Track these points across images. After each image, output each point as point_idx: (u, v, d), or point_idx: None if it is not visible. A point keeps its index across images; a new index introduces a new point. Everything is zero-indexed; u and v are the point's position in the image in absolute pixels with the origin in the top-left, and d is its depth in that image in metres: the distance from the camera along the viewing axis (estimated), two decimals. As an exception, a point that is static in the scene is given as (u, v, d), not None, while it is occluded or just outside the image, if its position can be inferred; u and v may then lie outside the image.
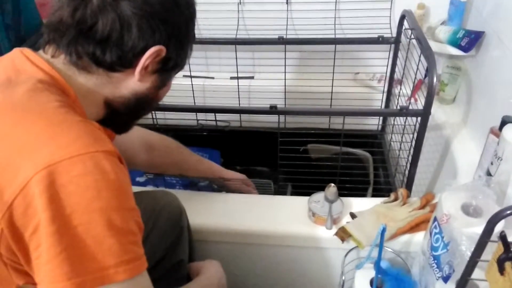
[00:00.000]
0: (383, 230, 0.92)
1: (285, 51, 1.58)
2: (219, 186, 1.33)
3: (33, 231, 0.54)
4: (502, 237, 0.57)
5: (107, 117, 0.75)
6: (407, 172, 1.22)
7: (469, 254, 0.69)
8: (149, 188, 1.33)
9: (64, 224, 0.54)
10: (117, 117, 0.76)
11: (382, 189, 1.58)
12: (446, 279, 0.84)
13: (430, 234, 0.92)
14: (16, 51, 0.69)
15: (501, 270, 0.58)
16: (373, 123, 1.74)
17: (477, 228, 0.78)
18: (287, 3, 1.64)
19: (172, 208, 1.04)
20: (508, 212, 0.59)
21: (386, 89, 1.62)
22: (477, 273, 0.70)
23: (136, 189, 1.12)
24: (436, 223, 0.89)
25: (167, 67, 0.73)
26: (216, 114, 1.44)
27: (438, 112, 1.51)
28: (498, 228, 0.63)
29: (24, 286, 0.61)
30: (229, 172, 1.32)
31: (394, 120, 1.50)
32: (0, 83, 0.63)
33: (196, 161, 1.27)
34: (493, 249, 0.63)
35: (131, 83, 0.71)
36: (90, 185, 0.55)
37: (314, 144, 1.72)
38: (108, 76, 0.69)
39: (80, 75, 0.68)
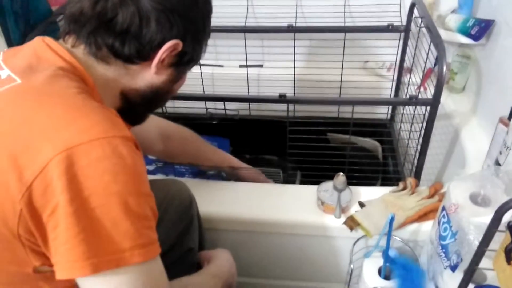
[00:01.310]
0: (392, 219, 0.93)
1: (294, 39, 1.57)
2: (233, 178, 1.34)
3: (51, 212, 0.56)
4: (510, 227, 0.58)
5: (123, 108, 0.76)
6: (415, 161, 1.22)
7: (477, 243, 0.70)
8: (159, 176, 1.35)
9: (82, 205, 0.56)
10: (132, 109, 0.78)
11: (391, 178, 1.58)
12: (454, 268, 0.85)
13: (438, 223, 0.93)
14: (38, 39, 0.70)
15: (509, 259, 0.59)
16: (382, 112, 1.74)
17: (485, 217, 0.79)
18: (296, -10, 1.63)
19: (182, 196, 1.05)
20: (517, 202, 0.59)
21: (395, 78, 1.62)
22: (485, 262, 0.71)
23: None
24: (444, 212, 0.90)
25: (183, 61, 0.75)
26: (226, 102, 1.44)
27: (447, 101, 1.51)
28: (506, 217, 0.63)
29: (40, 268, 0.62)
30: (241, 163, 1.34)
31: (403, 109, 1.50)
32: (22, 69, 0.65)
33: (212, 152, 1.30)
34: (500, 239, 0.64)
35: (148, 76, 0.73)
36: (107, 169, 0.57)
37: (333, 133, 1.73)
38: (126, 68, 0.71)
39: (98, 65, 0.70)
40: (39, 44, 0.69)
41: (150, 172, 1.51)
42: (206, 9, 0.75)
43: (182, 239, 1.02)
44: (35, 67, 0.65)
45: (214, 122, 1.69)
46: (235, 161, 1.33)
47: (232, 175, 1.33)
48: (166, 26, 0.68)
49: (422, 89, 1.45)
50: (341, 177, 1.11)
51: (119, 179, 0.57)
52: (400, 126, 1.55)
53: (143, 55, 0.70)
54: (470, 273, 0.71)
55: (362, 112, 1.70)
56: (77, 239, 0.55)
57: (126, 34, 0.66)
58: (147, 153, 1.23)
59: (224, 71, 1.84)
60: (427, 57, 1.19)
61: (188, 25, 0.71)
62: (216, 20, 1.62)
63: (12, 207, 0.56)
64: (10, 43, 1.25)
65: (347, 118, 1.24)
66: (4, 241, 0.59)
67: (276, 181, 1.28)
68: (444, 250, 0.89)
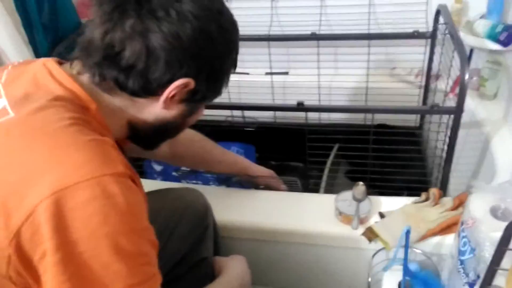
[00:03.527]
0: (408, 232, 0.90)
1: (318, 47, 1.57)
2: (246, 181, 1.32)
3: (40, 257, 0.55)
4: (519, 245, 0.55)
5: (132, 137, 0.76)
6: (442, 170, 1.19)
7: (492, 260, 0.67)
8: (176, 184, 1.32)
9: (69, 251, 0.54)
10: (141, 138, 0.77)
11: (419, 188, 1.53)
12: (471, 285, 0.81)
13: (459, 237, 0.89)
14: (39, 64, 0.69)
15: (519, 280, 0.56)
16: (411, 119, 1.70)
17: (504, 233, 0.75)
18: (320, -2, 1.62)
19: (197, 206, 1.04)
20: (528, 219, 0.56)
21: (423, 84, 1.58)
22: (502, 281, 0.68)
23: (164, 185, 1.16)
24: (463, 226, 0.86)
25: (195, 99, 0.72)
26: (249, 110, 1.45)
27: (478, 108, 1.45)
28: (520, 235, 0.60)
29: None
30: (255, 166, 1.30)
31: (431, 117, 1.46)
32: (17, 100, 0.63)
33: (221, 154, 1.25)
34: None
35: (156, 110, 0.71)
36: (96, 211, 0.55)
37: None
38: (132, 100, 0.69)
39: (104, 94, 0.68)
40: (40, 69, 0.67)
41: (175, 178, 1.53)
42: (226, 49, 0.71)
43: (195, 249, 1.00)
44: (31, 96, 0.64)
45: (238, 129, 1.70)
46: (246, 163, 1.29)
47: (250, 182, 1.30)
48: (176, 66, 0.65)
49: (451, 96, 1.40)
50: (360, 187, 1.08)
51: (109, 220, 0.56)
52: (428, 135, 1.51)
53: (149, 91, 0.67)
54: (484, 292, 0.68)
55: (390, 119, 1.67)
56: (64, 286, 0.55)
57: (131, 70, 0.64)
58: (152, 158, 1.23)
59: (250, 79, 1.85)
60: (451, 64, 1.15)
61: (201, 66, 0.68)
62: (242, 28, 1.66)
63: (1, 252, 0.55)
64: (38, 55, 1.29)
65: (369, 125, 1.22)
66: None
67: (294, 189, 1.26)
68: (463, 265, 0.85)
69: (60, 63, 0.70)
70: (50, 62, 0.68)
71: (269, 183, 1.29)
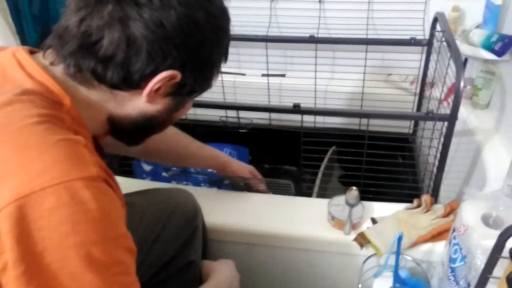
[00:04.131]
0: (400, 238, 0.90)
1: (316, 50, 1.57)
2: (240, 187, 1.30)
3: (2, 269, 0.50)
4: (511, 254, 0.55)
5: (114, 133, 0.71)
6: (433, 177, 1.19)
7: (483, 268, 0.67)
8: (166, 185, 1.28)
9: (34, 263, 0.50)
10: (124, 134, 0.72)
11: (411, 194, 1.54)
12: (462, 292, 0.82)
13: (450, 244, 0.90)
14: (8, 54, 0.63)
15: (511, 289, 0.56)
16: (405, 126, 1.71)
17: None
18: (319, 1, 1.63)
19: (186, 206, 1.02)
20: (520, 228, 0.56)
21: (418, 92, 1.58)
22: (492, 289, 0.68)
23: (153, 185, 1.15)
24: (454, 233, 0.87)
25: (183, 92, 0.67)
26: (244, 112, 1.44)
27: (471, 117, 1.47)
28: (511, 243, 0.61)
29: None
30: (235, 161, 1.24)
31: (424, 124, 1.47)
32: None
33: (197, 148, 1.18)
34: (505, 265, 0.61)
35: (139, 104, 0.66)
36: (64, 219, 0.51)
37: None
38: (112, 93, 0.64)
39: (80, 87, 0.63)
40: (8, 60, 0.62)
41: (166, 179, 1.52)
42: (214, 37, 0.65)
43: (183, 251, 0.98)
44: None
45: (232, 130, 1.70)
46: (224, 158, 1.23)
47: (228, 178, 1.26)
48: (159, 56, 0.60)
49: (445, 104, 1.41)
50: (353, 192, 1.09)
51: (79, 229, 0.51)
52: (421, 141, 1.51)
53: (130, 84, 0.62)
54: (475, 300, 0.68)
55: (385, 126, 1.68)
56: None
57: (110, 61, 0.59)
58: (124, 153, 1.15)
59: (246, 80, 1.84)
60: (446, 72, 1.16)
61: (187, 56, 0.62)
62: (239, 28, 1.67)
63: None
64: (26, 46, 1.27)
65: (364, 130, 1.22)
66: None
67: (288, 193, 1.26)
68: (453, 273, 0.86)
69: (32, 52, 0.65)
70: (20, 52, 0.63)
71: (249, 182, 1.25)
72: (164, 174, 1.53)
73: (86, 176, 0.53)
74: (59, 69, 0.62)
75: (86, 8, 0.58)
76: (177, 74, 0.63)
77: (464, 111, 1.47)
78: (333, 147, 1.70)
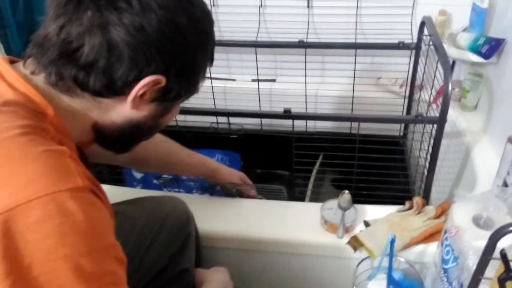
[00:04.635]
0: (392, 241, 0.91)
1: (305, 55, 1.58)
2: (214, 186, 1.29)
3: None
4: (503, 255, 0.56)
5: (99, 141, 0.70)
6: (424, 179, 1.21)
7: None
8: (157, 192, 1.28)
9: (22, 276, 0.49)
10: (110, 142, 0.71)
11: (403, 197, 1.55)
12: (455, 293, 0.83)
13: (442, 245, 0.91)
14: None
15: (502, 289, 0.57)
16: (395, 129, 1.72)
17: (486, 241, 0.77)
18: (308, 6, 1.64)
19: (178, 214, 1.01)
20: (510, 228, 0.57)
21: (407, 94, 1.60)
22: (485, 289, 0.69)
23: (144, 193, 1.14)
24: (446, 235, 0.88)
25: (169, 97, 0.66)
26: (234, 117, 1.44)
27: (459, 119, 1.48)
28: (503, 244, 0.62)
29: None
30: (225, 168, 1.24)
31: (414, 127, 1.48)
32: None
33: (186, 155, 1.17)
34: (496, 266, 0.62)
35: (124, 110, 0.65)
36: (51, 231, 0.50)
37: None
38: (96, 101, 0.63)
39: (62, 96, 0.62)
40: None
41: (157, 187, 1.51)
42: (198, 40, 0.64)
43: (176, 259, 0.97)
44: None
45: (223, 136, 1.70)
46: (214, 165, 1.22)
47: (218, 184, 1.26)
48: (142, 61, 0.59)
49: (434, 106, 1.43)
50: (346, 195, 1.09)
51: (66, 241, 0.51)
52: (412, 144, 1.53)
53: (114, 91, 0.61)
54: (468, 300, 0.69)
55: (375, 129, 1.69)
56: None
57: (91, 67, 0.59)
58: (110, 162, 1.13)
59: (236, 85, 1.85)
60: (434, 76, 1.17)
61: (171, 60, 0.62)
62: (229, 34, 1.68)
63: None
64: (10, 55, 1.25)
65: (355, 134, 1.23)
66: None
67: (280, 198, 1.26)
68: (446, 274, 0.86)
69: (13, 62, 0.64)
70: (0, 62, 0.62)
71: (240, 188, 1.25)
72: (155, 181, 1.52)
73: (72, 187, 0.53)
74: (40, 78, 0.61)
75: (65, 16, 0.58)
76: (162, 79, 0.62)
77: (452, 113, 1.48)
78: (323, 152, 1.70)
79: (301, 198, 1.55)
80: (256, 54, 1.65)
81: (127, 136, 0.70)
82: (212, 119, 1.49)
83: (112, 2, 0.57)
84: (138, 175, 1.56)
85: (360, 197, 1.24)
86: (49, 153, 0.54)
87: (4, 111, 0.56)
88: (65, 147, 0.58)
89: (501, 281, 0.56)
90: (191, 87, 0.69)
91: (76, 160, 0.58)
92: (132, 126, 0.67)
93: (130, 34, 0.58)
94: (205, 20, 0.65)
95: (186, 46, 0.63)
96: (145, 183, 1.56)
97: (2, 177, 0.51)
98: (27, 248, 0.49)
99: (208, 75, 1.68)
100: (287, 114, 1.15)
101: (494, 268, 0.64)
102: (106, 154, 0.75)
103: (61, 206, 0.51)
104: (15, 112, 0.57)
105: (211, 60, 0.70)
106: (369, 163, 1.26)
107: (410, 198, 1.18)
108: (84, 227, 0.52)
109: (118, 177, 1.50)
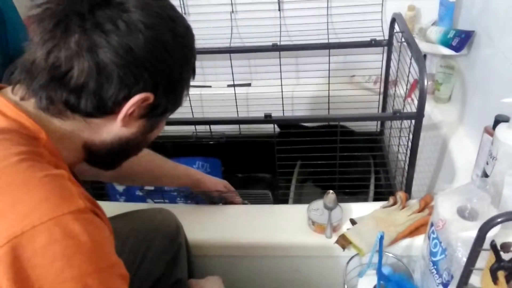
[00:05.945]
0: (381, 237, 0.92)
1: (279, 58, 1.59)
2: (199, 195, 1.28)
3: None
4: (493, 246, 0.57)
5: (89, 159, 0.71)
6: (405, 174, 1.22)
7: (465, 260, 0.69)
8: (144, 205, 1.27)
9: None
10: (100, 160, 0.72)
11: (384, 192, 1.58)
12: (445, 285, 0.84)
13: (429, 238, 0.92)
14: None
15: (494, 279, 0.58)
16: (372, 125, 1.74)
17: (473, 232, 0.78)
18: (279, 9, 1.65)
19: (168, 225, 1.01)
20: (499, 220, 0.59)
21: (382, 91, 1.62)
22: (476, 279, 0.70)
23: (130, 206, 1.13)
24: (433, 228, 0.89)
25: (156, 113, 0.67)
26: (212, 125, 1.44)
27: (434, 111, 1.51)
28: (492, 233, 0.63)
29: None
30: (209, 177, 1.24)
31: (391, 123, 1.50)
32: None
33: (171, 167, 1.18)
34: (487, 256, 0.63)
35: (114, 129, 0.66)
36: (58, 255, 0.51)
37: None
38: (86, 121, 0.64)
39: (53, 119, 0.63)
40: None
41: (140, 198, 1.50)
42: (183, 56, 0.66)
43: (169, 270, 0.98)
44: None
45: (209, 143, 1.69)
46: (198, 175, 1.22)
47: (205, 197, 1.26)
48: (131, 80, 0.60)
49: (409, 100, 1.45)
50: (331, 195, 1.11)
51: (73, 263, 0.52)
52: (390, 140, 1.55)
53: (104, 110, 0.62)
54: (460, 291, 0.70)
55: (353, 126, 1.71)
56: None
57: (82, 90, 0.59)
58: (95, 178, 1.13)
59: (212, 92, 1.84)
60: (409, 71, 1.19)
61: (159, 77, 0.63)
62: (202, 42, 1.67)
63: None
64: None
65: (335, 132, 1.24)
66: None
67: (266, 202, 1.26)
68: (435, 266, 0.88)
69: (0, 88, 0.64)
70: None
71: (225, 196, 1.25)
72: (138, 192, 1.51)
73: (75, 209, 0.54)
74: (30, 104, 0.62)
75: (52, 40, 0.58)
76: (150, 96, 0.63)
77: (427, 106, 1.49)
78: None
79: (285, 200, 1.56)
80: (231, 60, 1.65)
81: (116, 153, 0.70)
82: (192, 127, 1.49)
83: (98, 25, 0.58)
84: (120, 188, 1.54)
85: (344, 196, 1.25)
86: (49, 178, 0.55)
87: (0, 139, 0.57)
88: (63, 170, 0.59)
89: (493, 271, 0.58)
90: (177, 101, 0.70)
91: (74, 182, 0.59)
92: (121, 143, 0.68)
93: (119, 55, 0.58)
94: (187, 36, 0.67)
95: (172, 62, 0.64)
96: (128, 195, 1.54)
97: (7, 204, 0.52)
98: (36, 273, 0.50)
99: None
100: (268, 119, 1.15)
101: (483, 259, 0.66)
102: (92, 171, 0.75)
103: (66, 229, 0.52)
104: (10, 139, 0.57)
105: (193, 72, 0.71)
106: (351, 161, 1.27)
107: (392, 194, 1.20)
108: (89, 248, 0.54)
109: (101, 192, 1.48)
